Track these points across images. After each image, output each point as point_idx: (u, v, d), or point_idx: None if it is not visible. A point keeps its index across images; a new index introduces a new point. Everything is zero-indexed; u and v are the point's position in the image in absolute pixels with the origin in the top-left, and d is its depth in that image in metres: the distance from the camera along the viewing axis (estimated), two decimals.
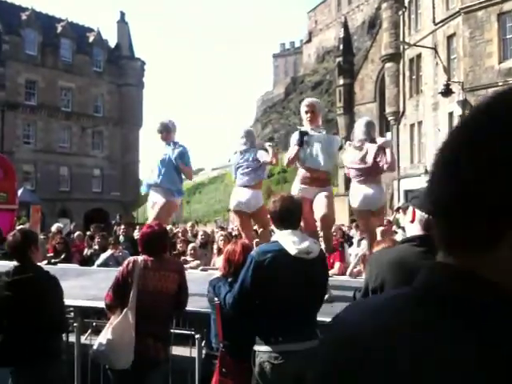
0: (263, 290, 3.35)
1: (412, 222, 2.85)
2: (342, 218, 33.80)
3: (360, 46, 61.38)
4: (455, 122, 24.27)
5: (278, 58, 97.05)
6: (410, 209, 2.86)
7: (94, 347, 4.05)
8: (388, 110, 30.79)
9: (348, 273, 6.95)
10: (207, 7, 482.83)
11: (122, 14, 45.33)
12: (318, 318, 3.68)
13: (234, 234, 9.90)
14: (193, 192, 65.68)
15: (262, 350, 3.36)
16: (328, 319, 4.05)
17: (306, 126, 5.74)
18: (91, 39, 42.28)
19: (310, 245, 3.47)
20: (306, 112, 5.80)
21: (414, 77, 28.16)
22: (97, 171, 41.91)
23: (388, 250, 3.13)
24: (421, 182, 22.78)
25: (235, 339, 3.66)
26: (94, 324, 5.26)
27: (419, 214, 2.79)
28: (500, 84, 20.16)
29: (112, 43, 44.63)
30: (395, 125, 30.21)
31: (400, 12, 29.73)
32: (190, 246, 9.14)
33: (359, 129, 5.92)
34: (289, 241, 3.41)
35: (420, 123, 27.30)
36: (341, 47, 40.56)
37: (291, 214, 3.53)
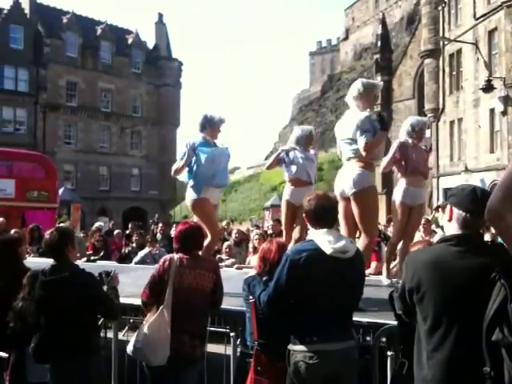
0: (298, 288, 3.33)
1: (449, 220, 2.78)
2: (380, 216, 33.42)
3: (398, 43, 60.46)
4: (496, 118, 23.63)
5: (314, 56, 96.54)
6: (448, 207, 2.79)
7: (131, 343, 4.11)
8: (427, 106, 30.23)
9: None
10: (244, 6, 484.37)
11: (160, 16, 45.92)
12: (354, 319, 3.64)
13: (269, 232, 9.89)
14: (228, 191, 66.05)
15: (296, 349, 3.33)
16: (363, 319, 3.99)
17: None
18: (130, 41, 43.02)
19: (346, 244, 3.43)
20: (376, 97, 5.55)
21: (454, 73, 27.57)
22: (135, 170, 42.64)
23: (424, 250, 3.06)
24: (460, 180, 22.26)
25: (270, 338, 3.65)
26: (132, 321, 5.34)
27: (457, 212, 2.72)
28: None
29: (150, 44, 45.31)
30: (434, 122, 29.63)
31: (439, 7, 29.13)
32: (225, 244, 9.18)
33: (408, 127, 6.13)
34: (324, 240, 3.37)
35: (460, 120, 26.72)
36: (378, 44, 40.00)
37: (327, 213, 3.49)
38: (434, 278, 2.66)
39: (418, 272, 2.73)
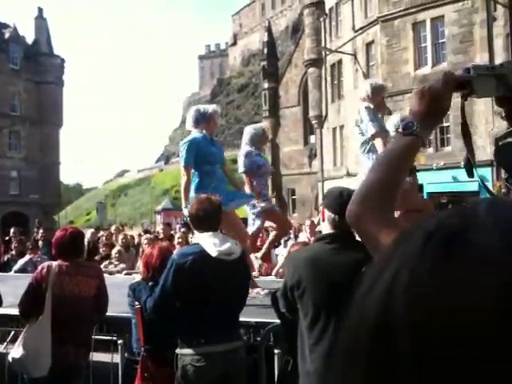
0: (184, 292, 3.37)
1: (323, 221, 3.05)
2: None
3: (284, 51, 62.43)
4: None
5: (203, 60, 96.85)
6: (321, 209, 3.07)
7: (10, 355, 3.91)
8: (311, 113, 31.54)
9: (274, 273, 7.09)
10: (134, 6, 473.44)
11: (40, 10, 43.67)
12: (241, 319, 3.75)
13: (160, 237, 9.79)
14: (118, 194, 64.09)
15: (184, 352, 3.37)
16: (251, 319, 4.11)
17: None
18: (7, 35, 40.38)
19: (232, 246, 3.53)
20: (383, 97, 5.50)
21: (335, 82, 28.99)
22: (14, 173, 40.02)
23: (304, 249, 3.28)
24: (343, 184, 23.54)
25: (157, 343, 3.65)
26: (13, 332, 5.06)
27: (327, 213, 2.97)
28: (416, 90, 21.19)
29: (30, 40, 42.83)
30: (318, 128, 31.00)
31: (321, 18, 30.53)
32: (115, 249, 8.96)
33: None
34: (210, 242, 3.45)
35: (342, 127, 28.15)
36: (265, 51, 41.10)
37: (210, 216, 3.56)
38: (312, 274, 2.87)
39: (298, 270, 2.92)
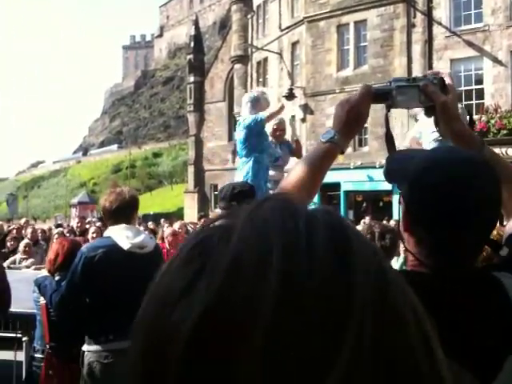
0: (93, 287, 3.23)
1: None
2: (191, 214, 34.01)
3: (211, 45, 62.27)
4: (297, 125, 25.68)
5: (128, 50, 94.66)
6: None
7: None
8: (236, 109, 31.60)
9: None
10: None
11: None
12: None
13: (74, 231, 9.42)
14: (31, 186, 61.33)
15: (91, 349, 3.23)
16: None
17: None
18: None
19: (145, 239, 3.43)
20: None
21: (260, 79, 29.23)
22: None
23: None
24: None
25: (63, 340, 3.48)
26: None
27: (223, 207, 3.11)
28: (337, 91, 21.76)
29: None
30: None
31: (249, 15, 30.67)
32: (23, 243, 8.51)
33: None
34: (122, 235, 3.32)
35: None
36: (192, 45, 40.73)
37: (123, 209, 3.43)
38: None
39: None
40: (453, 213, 1.10)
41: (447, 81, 1.32)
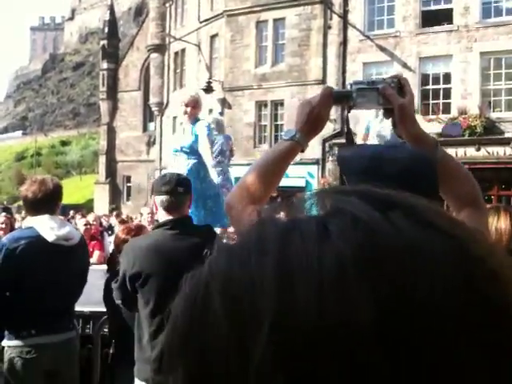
0: (15, 280, 3.07)
1: (157, 210, 3.09)
2: (101, 206, 32.97)
3: (126, 32, 60.54)
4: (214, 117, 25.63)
5: (36, 32, 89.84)
6: (152, 200, 3.17)
7: None
8: (152, 100, 30.99)
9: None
10: None
11: None
12: (76, 308, 3.53)
13: None
14: None
15: (11, 344, 3.09)
16: (85, 309, 3.93)
17: None
18: None
19: (71, 231, 3.31)
20: None
21: (178, 70, 28.85)
22: None
23: (142, 237, 3.22)
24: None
25: None
26: None
27: (158, 198, 3.03)
28: (255, 87, 21.97)
29: None
30: (159, 116, 30.60)
31: (167, 4, 30.14)
32: None
33: None
34: (46, 226, 3.18)
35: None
36: (106, 30, 39.39)
37: (49, 199, 3.29)
38: (155, 261, 2.82)
39: (138, 259, 2.85)
40: None
41: (404, 84, 1.40)
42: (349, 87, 1.43)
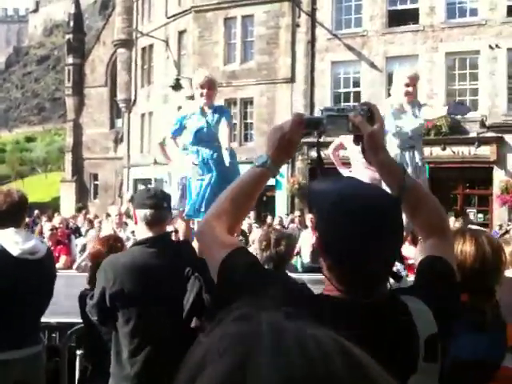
0: None
1: (136, 223, 2.98)
2: (68, 205, 32.40)
3: (92, 26, 59.55)
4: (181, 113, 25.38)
5: None
6: (132, 212, 3.02)
7: None
8: (120, 96, 30.51)
9: (75, 267, 6.65)
10: None
11: None
12: (42, 319, 3.46)
13: None
14: None
15: None
16: (51, 320, 3.85)
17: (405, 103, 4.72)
18: None
19: (36, 244, 3.24)
20: (408, 85, 4.71)
21: (145, 66, 28.47)
22: None
23: (122, 254, 3.13)
24: (150, 172, 23.15)
25: None
26: None
27: (140, 212, 2.92)
28: (224, 85, 21.87)
29: None
30: (126, 112, 30.16)
31: None
32: None
33: None
34: (11, 241, 3.11)
35: (151, 114, 27.76)
36: (71, 24, 38.62)
37: (14, 212, 3.20)
38: (137, 280, 2.78)
39: (119, 276, 2.79)
40: (352, 251, 1.21)
41: (374, 112, 1.42)
42: (319, 114, 1.45)
